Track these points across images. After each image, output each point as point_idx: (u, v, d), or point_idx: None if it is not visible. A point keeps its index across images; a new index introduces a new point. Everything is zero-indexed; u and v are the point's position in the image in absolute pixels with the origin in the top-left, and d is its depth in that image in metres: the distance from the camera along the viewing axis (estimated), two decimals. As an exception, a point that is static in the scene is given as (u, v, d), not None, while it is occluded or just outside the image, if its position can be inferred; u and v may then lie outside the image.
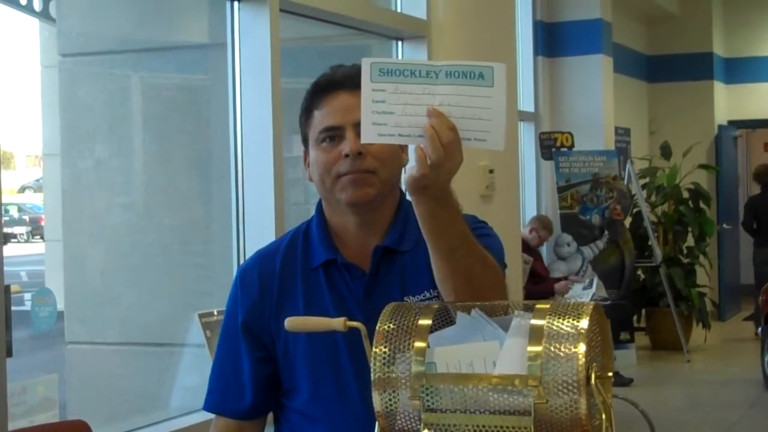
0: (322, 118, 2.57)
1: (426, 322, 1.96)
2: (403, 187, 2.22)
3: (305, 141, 2.64)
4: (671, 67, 14.73)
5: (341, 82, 2.58)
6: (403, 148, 2.61)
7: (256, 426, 2.72)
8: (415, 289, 2.50)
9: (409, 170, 2.17)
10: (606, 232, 10.60)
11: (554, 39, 11.24)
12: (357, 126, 2.46)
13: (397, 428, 1.96)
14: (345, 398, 2.57)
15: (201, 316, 4.27)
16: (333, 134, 2.54)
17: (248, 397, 2.66)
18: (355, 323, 2.11)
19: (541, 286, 9.42)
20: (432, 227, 2.24)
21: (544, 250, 10.66)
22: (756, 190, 14.33)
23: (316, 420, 2.61)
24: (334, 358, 2.56)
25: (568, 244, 10.50)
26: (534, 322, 1.86)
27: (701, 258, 12.62)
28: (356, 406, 2.53)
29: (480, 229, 2.60)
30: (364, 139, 2.18)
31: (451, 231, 2.25)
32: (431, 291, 2.50)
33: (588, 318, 1.83)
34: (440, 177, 2.15)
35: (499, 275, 2.37)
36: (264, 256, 2.72)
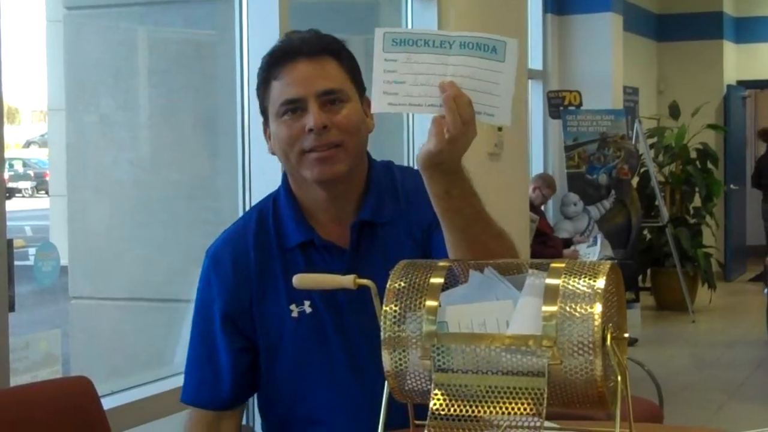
0: (281, 90, 2.46)
1: (438, 280, 1.93)
2: (415, 165, 2.17)
3: (264, 113, 2.54)
4: (681, 26, 14.65)
5: (299, 48, 2.47)
6: (368, 114, 2.54)
7: (235, 415, 2.65)
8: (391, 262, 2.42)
9: (425, 145, 2.12)
10: (613, 192, 10.56)
11: (564, -4, 11.18)
12: (319, 96, 2.42)
13: (406, 388, 1.93)
14: (334, 380, 2.52)
15: (206, 272, 4.23)
16: (295, 107, 2.43)
17: (227, 388, 2.59)
18: (364, 281, 2.08)
19: (549, 249, 9.36)
20: (447, 205, 2.18)
21: (550, 209, 10.63)
22: (762, 149, 14.43)
23: (304, 399, 2.56)
24: (322, 338, 2.51)
25: (575, 204, 10.46)
26: (549, 281, 1.82)
27: (708, 218, 12.60)
28: (346, 380, 2.50)
29: None
30: (375, 108, 2.13)
31: (466, 208, 2.19)
32: None
33: (605, 277, 1.80)
34: (455, 152, 2.11)
35: (515, 249, 2.31)
36: (234, 238, 2.61)
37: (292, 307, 2.50)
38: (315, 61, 2.45)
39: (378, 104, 2.11)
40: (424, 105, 2.10)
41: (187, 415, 2.67)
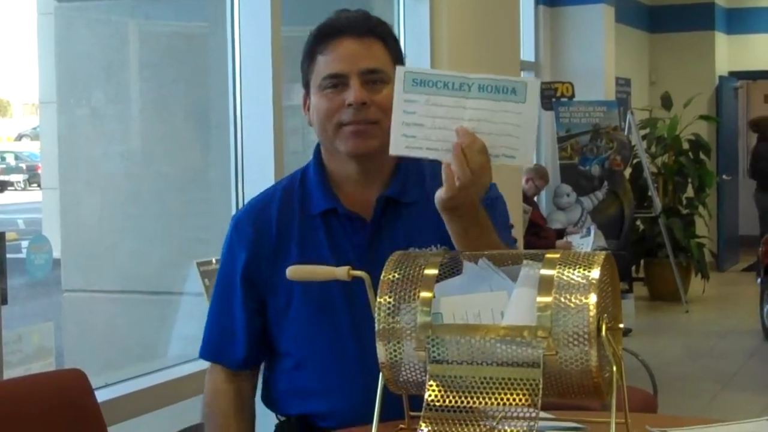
0: (326, 64, 2.52)
1: (432, 271, 1.92)
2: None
3: (306, 85, 2.61)
4: (672, 17, 14.64)
5: (346, 27, 2.54)
6: None
7: (251, 375, 2.73)
8: (421, 243, 2.41)
9: (438, 190, 2.18)
10: (605, 183, 10.54)
11: (556, -13, 11.16)
12: (362, 74, 2.49)
13: (401, 380, 1.93)
14: (338, 351, 2.55)
15: (199, 264, 4.22)
16: (337, 81, 2.50)
17: (241, 348, 2.66)
18: (358, 272, 2.08)
19: (542, 241, 9.35)
20: (465, 243, 2.25)
21: (543, 200, 10.62)
22: (754, 140, 14.47)
23: (305, 369, 2.60)
24: (330, 306, 2.54)
25: (568, 195, 10.45)
26: (544, 271, 1.82)
27: (700, 209, 12.60)
28: (349, 352, 2.53)
29: (490, 191, 2.59)
30: (393, 150, 2.19)
31: (483, 243, 2.24)
32: (438, 246, 2.46)
33: (600, 268, 1.79)
34: (467, 198, 2.17)
35: None
36: (259, 204, 2.70)
37: None
38: (361, 41, 2.53)
39: (396, 147, 2.17)
40: (440, 150, 2.14)
41: (207, 372, 2.75)
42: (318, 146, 2.66)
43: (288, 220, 2.61)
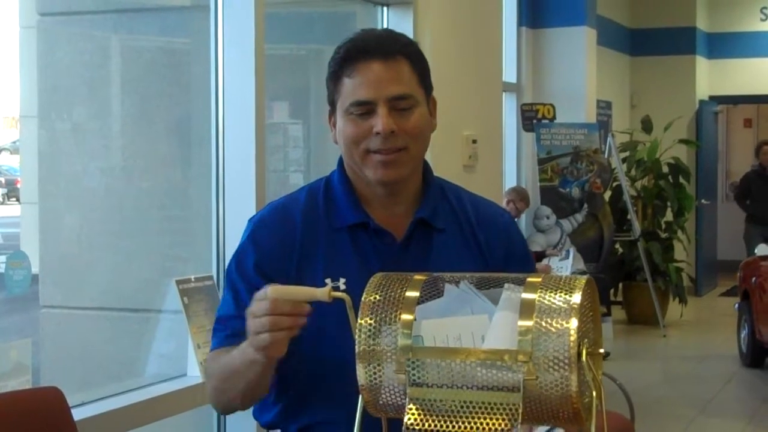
0: (353, 89, 2.47)
1: (413, 294, 1.91)
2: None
3: (332, 104, 2.56)
4: (654, 40, 14.72)
5: (373, 48, 2.48)
6: (433, 113, 2.59)
7: None
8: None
9: None
10: (585, 206, 10.57)
11: (538, 10, 11.19)
12: (390, 101, 2.45)
13: (381, 402, 1.92)
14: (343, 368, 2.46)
15: (178, 282, 4.20)
16: (363, 109, 2.46)
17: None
18: (339, 294, 2.06)
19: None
20: None
21: (523, 222, 10.63)
22: (739, 165, 14.42)
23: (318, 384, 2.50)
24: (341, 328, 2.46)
25: (547, 217, 10.46)
26: (525, 295, 1.81)
27: (679, 233, 12.65)
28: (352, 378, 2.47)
29: (525, 252, 2.70)
30: None
31: None
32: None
33: (581, 292, 1.79)
34: None
35: None
36: (281, 208, 2.62)
37: (327, 280, 2.48)
38: (388, 63, 2.47)
39: None
40: None
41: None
42: (341, 159, 2.61)
43: (313, 230, 2.55)
